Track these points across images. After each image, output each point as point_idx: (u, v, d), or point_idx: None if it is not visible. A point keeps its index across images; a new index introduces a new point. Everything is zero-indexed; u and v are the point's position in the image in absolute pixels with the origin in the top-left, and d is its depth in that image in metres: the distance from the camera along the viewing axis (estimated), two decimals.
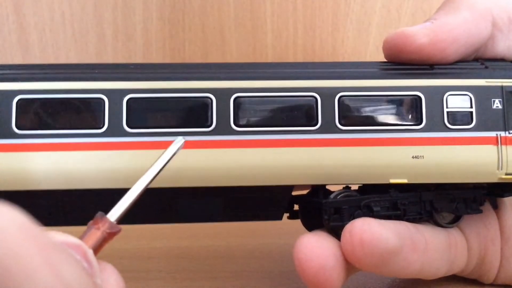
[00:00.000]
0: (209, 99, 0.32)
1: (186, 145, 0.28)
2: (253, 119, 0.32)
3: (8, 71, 0.32)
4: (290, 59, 0.62)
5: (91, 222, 0.23)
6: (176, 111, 0.32)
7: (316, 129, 0.32)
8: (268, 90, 0.32)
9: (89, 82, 0.32)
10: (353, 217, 0.32)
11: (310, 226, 0.35)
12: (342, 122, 0.32)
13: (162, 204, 0.33)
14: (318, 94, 0.32)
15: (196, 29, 0.62)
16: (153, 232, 0.49)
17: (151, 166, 0.25)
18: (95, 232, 0.22)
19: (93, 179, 0.31)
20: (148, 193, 0.26)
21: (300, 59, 0.62)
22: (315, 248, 0.30)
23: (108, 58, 0.63)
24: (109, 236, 0.22)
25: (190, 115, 0.32)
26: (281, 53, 0.62)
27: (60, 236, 0.20)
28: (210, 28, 0.62)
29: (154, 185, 0.26)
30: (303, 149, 0.32)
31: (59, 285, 0.16)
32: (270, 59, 0.62)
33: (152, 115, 0.32)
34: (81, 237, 0.22)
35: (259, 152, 0.32)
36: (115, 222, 0.23)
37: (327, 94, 0.32)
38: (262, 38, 0.62)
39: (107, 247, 0.22)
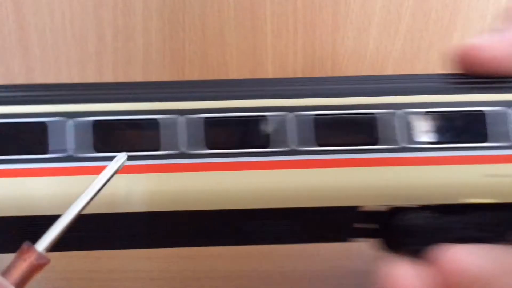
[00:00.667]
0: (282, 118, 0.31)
1: (253, 166, 0.28)
2: (330, 139, 0.31)
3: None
4: (290, 59, 0.62)
5: (17, 252, 0.21)
6: (256, 131, 0.31)
7: (384, 148, 0.31)
8: (347, 107, 0.31)
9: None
10: (434, 239, 0.30)
11: (386, 247, 0.35)
12: (414, 140, 0.31)
13: (230, 226, 0.33)
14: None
15: (196, 29, 0.62)
16: None
17: (88, 188, 0.24)
18: (21, 263, 0.21)
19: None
20: (218, 216, 0.26)
21: (300, 58, 0.62)
22: (408, 279, 0.28)
23: (108, 58, 0.63)
24: (36, 267, 0.21)
25: (268, 135, 0.31)
26: (281, 53, 0.62)
27: None
28: (210, 28, 0.62)
29: (221, 207, 0.26)
30: (373, 168, 0.31)
31: None
32: (270, 59, 0.62)
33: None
34: (4, 270, 0.21)
35: (330, 172, 0.31)
36: (44, 252, 0.22)
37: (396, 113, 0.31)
38: (262, 38, 0.61)
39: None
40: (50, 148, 0.30)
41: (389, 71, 0.61)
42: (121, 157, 0.25)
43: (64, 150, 0.30)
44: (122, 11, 0.62)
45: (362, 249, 0.47)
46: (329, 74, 0.61)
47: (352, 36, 0.61)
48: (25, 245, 0.21)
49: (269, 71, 0.62)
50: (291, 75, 0.62)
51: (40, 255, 0.21)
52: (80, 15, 0.62)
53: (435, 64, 0.60)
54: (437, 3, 0.60)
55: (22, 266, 0.21)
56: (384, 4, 0.60)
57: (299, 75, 0.62)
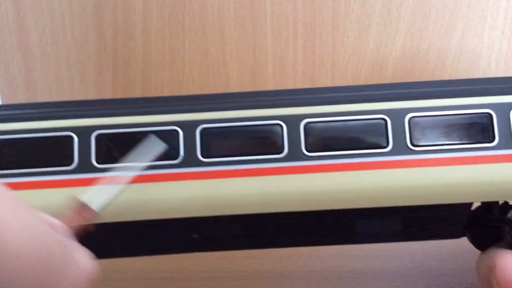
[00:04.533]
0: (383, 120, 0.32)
1: (365, 167, 0.29)
2: (432, 138, 0.32)
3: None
4: (290, 58, 0.62)
5: (71, 207, 0.23)
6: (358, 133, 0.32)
7: (494, 146, 0.32)
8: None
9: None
10: None
11: (481, 243, 0.35)
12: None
13: (342, 224, 0.33)
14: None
15: (196, 29, 0.62)
16: None
17: (136, 161, 0.25)
18: (75, 216, 0.22)
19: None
20: (328, 215, 0.26)
21: (300, 58, 0.62)
22: None
23: (108, 58, 0.63)
24: (88, 220, 0.23)
25: (365, 137, 0.32)
26: (281, 53, 0.62)
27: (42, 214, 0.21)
28: (210, 28, 0.62)
29: (333, 207, 0.29)
30: (480, 166, 0.32)
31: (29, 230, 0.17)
32: (270, 58, 0.62)
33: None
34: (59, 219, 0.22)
35: (438, 170, 0.31)
36: (95, 210, 0.23)
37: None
38: (262, 38, 0.62)
39: None
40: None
41: (389, 71, 0.61)
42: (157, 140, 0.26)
43: None
44: (122, 11, 0.62)
45: (362, 249, 0.47)
46: (329, 74, 0.61)
47: (352, 36, 0.61)
48: (79, 201, 0.22)
49: (269, 71, 0.62)
50: (291, 75, 0.62)
51: (92, 211, 0.22)
52: (80, 15, 0.62)
53: (435, 64, 0.60)
54: (437, 3, 0.60)
55: (76, 218, 0.22)
56: (384, 4, 0.60)
57: (299, 75, 0.62)
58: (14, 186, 0.30)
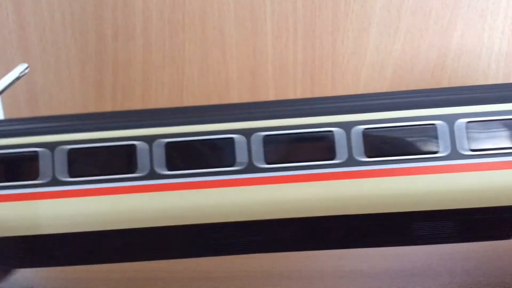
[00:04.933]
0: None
1: (421, 171, 0.31)
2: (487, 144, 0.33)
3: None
4: (290, 58, 0.62)
5: None
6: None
7: None
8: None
9: None
10: None
11: None
12: None
13: (398, 227, 0.34)
14: None
15: (196, 29, 0.62)
16: None
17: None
18: None
19: None
20: (383, 218, 0.29)
21: (300, 58, 0.62)
22: None
23: (108, 58, 0.63)
24: None
25: (421, 142, 0.34)
26: (281, 52, 0.62)
27: None
28: (210, 28, 0.62)
29: (391, 210, 0.31)
30: None
31: None
32: (270, 58, 0.62)
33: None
34: None
35: (492, 174, 0.33)
36: None
37: None
38: (262, 38, 0.62)
39: None
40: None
41: (389, 71, 0.61)
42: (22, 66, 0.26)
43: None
44: (122, 11, 0.62)
45: (361, 249, 0.47)
46: (329, 74, 0.62)
47: (352, 36, 0.61)
48: None
49: (269, 71, 0.62)
50: (291, 75, 0.62)
51: None
52: (80, 15, 0.62)
53: (435, 64, 0.60)
54: (437, 3, 0.60)
55: None
56: (384, 4, 0.60)
57: (299, 75, 0.62)
58: None
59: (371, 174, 0.33)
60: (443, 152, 0.33)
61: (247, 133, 0.33)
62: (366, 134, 0.33)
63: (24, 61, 0.63)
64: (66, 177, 0.33)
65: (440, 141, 0.33)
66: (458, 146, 0.33)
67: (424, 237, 0.35)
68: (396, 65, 0.61)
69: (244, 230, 0.34)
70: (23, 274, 0.42)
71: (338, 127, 0.33)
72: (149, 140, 0.33)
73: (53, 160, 0.33)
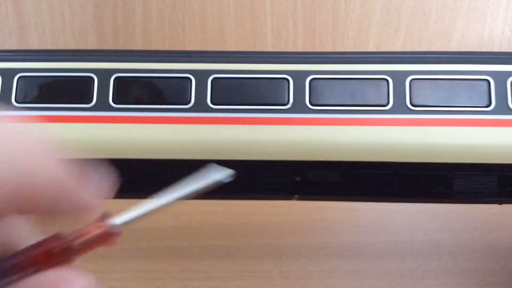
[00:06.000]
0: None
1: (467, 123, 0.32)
2: None
3: None
4: None
5: (96, 218, 0.22)
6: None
7: None
8: None
9: None
10: None
11: None
12: None
13: (439, 180, 0.35)
14: None
15: (196, 29, 0.62)
16: (153, 232, 0.49)
17: (179, 186, 0.24)
18: (94, 228, 0.21)
19: None
20: (425, 168, 0.30)
21: None
22: None
23: None
24: (106, 236, 0.22)
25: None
26: None
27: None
28: (210, 28, 0.62)
29: (430, 160, 0.32)
30: None
31: None
32: None
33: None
34: (76, 230, 0.21)
35: None
36: (119, 226, 0.22)
37: None
38: (262, 38, 0.61)
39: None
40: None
41: None
42: (226, 173, 0.25)
43: None
44: (122, 11, 0.62)
45: (361, 248, 0.47)
46: None
47: (352, 36, 0.61)
48: (105, 214, 0.22)
49: None
50: None
51: (114, 226, 0.21)
52: (80, 15, 0.62)
53: None
54: (437, 3, 0.60)
55: (94, 231, 0.21)
56: (384, 3, 0.60)
57: None
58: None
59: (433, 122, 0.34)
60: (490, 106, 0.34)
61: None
62: None
63: None
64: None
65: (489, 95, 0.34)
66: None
67: (465, 193, 0.36)
68: None
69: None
70: None
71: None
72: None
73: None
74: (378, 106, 0.34)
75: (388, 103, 0.34)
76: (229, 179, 0.23)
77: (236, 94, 0.35)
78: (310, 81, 0.34)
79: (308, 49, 0.61)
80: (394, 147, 0.33)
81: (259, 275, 0.42)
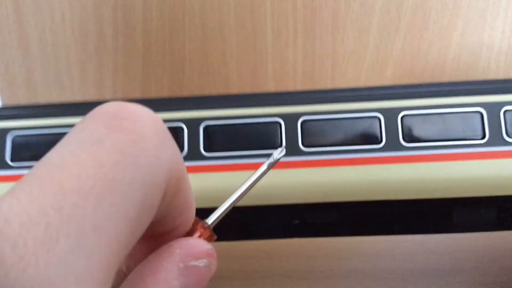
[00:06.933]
0: None
1: (461, 157, 0.32)
2: None
3: None
4: (290, 58, 0.62)
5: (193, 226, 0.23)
6: None
7: None
8: None
9: None
10: None
11: None
12: None
13: (439, 213, 0.35)
14: None
15: (196, 29, 0.62)
16: None
17: (250, 175, 0.24)
18: (202, 230, 0.23)
19: None
20: (426, 204, 0.29)
21: (300, 58, 0.62)
22: None
23: (108, 58, 0.63)
24: (209, 237, 0.23)
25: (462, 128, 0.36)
26: (281, 53, 0.62)
27: None
28: (210, 28, 0.62)
29: (433, 196, 0.31)
30: None
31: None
32: (270, 58, 0.62)
33: None
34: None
35: None
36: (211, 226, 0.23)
37: None
38: (262, 37, 0.62)
39: None
40: None
41: (389, 71, 0.61)
42: (281, 149, 0.26)
43: None
44: (122, 11, 0.62)
45: (361, 248, 0.47)
46: (329, 74, 0.62)
47: (352, 36, 0.61)
48: (198, 220, 0.23)
49: (269, 71, 0.62)
50: (291, 75, 0.62)
51: (212, 231, 0.23)
52: (80, 15, 0.62)
53: (435, 64, 0.60)
54: (437, 3, 0.60)
55: (205, 234, 0.23)
56: (384, 4, 0.60)
57: (299, 74, 0.62)
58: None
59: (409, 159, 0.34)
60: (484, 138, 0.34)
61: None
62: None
63: (24, 61, 0.63)
64: None
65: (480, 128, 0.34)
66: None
67: (464, 225, 0.36)
68: (396, 65, 0.61)
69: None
70: None
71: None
72: None
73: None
74: (371, 144, 0.34)
75: (381, 141, 0.34)
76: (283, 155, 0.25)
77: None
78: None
79: (308, 49, 0.61)
80: (389, 185, 0.33)
81: (259, 275, 0.42)
